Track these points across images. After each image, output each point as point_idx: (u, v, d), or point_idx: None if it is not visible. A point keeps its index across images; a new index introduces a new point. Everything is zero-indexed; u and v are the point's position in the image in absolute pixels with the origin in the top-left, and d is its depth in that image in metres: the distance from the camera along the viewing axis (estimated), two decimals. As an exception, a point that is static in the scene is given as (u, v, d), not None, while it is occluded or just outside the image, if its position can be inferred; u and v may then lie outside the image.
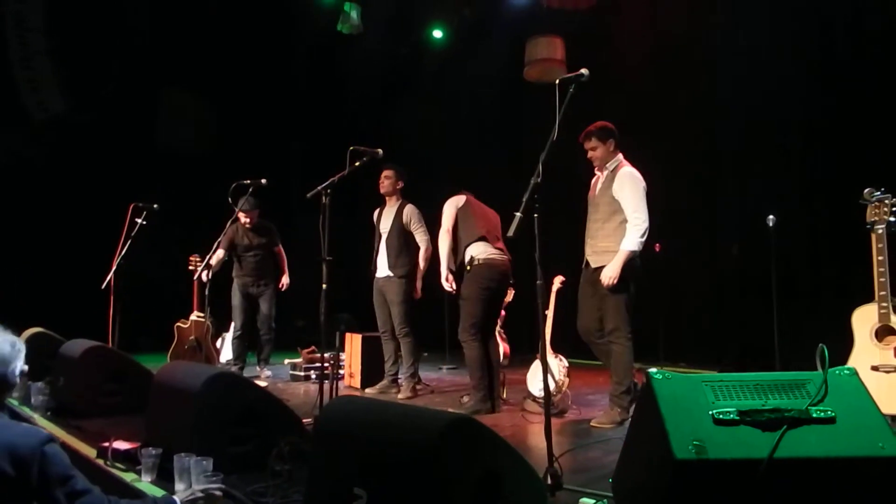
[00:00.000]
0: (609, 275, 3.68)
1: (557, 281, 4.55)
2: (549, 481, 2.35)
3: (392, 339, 5.01)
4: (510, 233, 2.35)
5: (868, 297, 3.28)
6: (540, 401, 4.32)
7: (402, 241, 4.94)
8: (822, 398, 1.44)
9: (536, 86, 7.10)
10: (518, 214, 2.34)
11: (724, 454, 1.34)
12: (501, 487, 1.76)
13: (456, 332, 4.41)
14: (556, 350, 4.38)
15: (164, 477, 2.47)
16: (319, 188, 3.42)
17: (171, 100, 7.55)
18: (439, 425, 1.67)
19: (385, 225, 5.04)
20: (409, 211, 4.97)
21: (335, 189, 3.39)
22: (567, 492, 2.40)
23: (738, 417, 1.39)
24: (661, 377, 1.48)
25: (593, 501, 2.17)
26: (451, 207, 4.45)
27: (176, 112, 7.47)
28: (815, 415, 1.40)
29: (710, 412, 1.41)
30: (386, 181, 5.05)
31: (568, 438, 3.55)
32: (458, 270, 4.42)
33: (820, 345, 1.52)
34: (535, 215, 2.38)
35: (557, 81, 2.57)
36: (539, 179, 2.40)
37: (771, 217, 4.72)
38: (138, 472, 2.55)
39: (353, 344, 5.43)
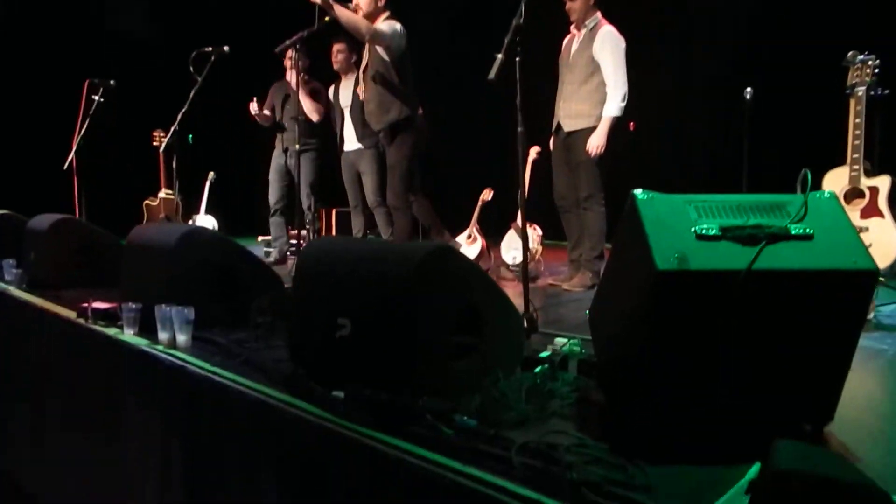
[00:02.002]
0: (595, 144, 3.64)
1: (533, 151, 4.53)
2: (525, 325, 2.43)
3: (361, 214, 4.98)
4: (490, 75, 2.29)
5: (841, 161, 3.31)
6: (513, 268, 4.41)
7: None
8: (801, 217, 1.47)
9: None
10: (499, 56, 2.27)
11: (705, 265, 1.38)
12: (482, 316, 1.80)
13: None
14: (530, 221, 4.42)
15: (147, 330, 2.48)
16: (288, 42, 3.26)
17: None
18: (419, 255, 1.68)
19: (345, 98, 4.85)
20: None
21: (304, 45, 3.22)
22: (541, 335, 2.49)
23: (720, 233, 1.42)
24: (645, 197, 1.49)
25: (566, 341, 2.26)
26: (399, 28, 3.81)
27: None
28: (793, 232, 1.44)
29: (693, 229, 1.43)
30: (339, 55, 4.81)
31: (541, 299, 3.65)
32: (394, 126, 3.90)
33: (804, 169, 1.53)
34: (517, 59, 2.31)
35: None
36: (521, 20, 2.32)
37: (748, 89, 4.68)
38: (120, 328, 2.56)
39: (328, 219, 5.41)
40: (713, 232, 1.43)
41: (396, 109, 3.85)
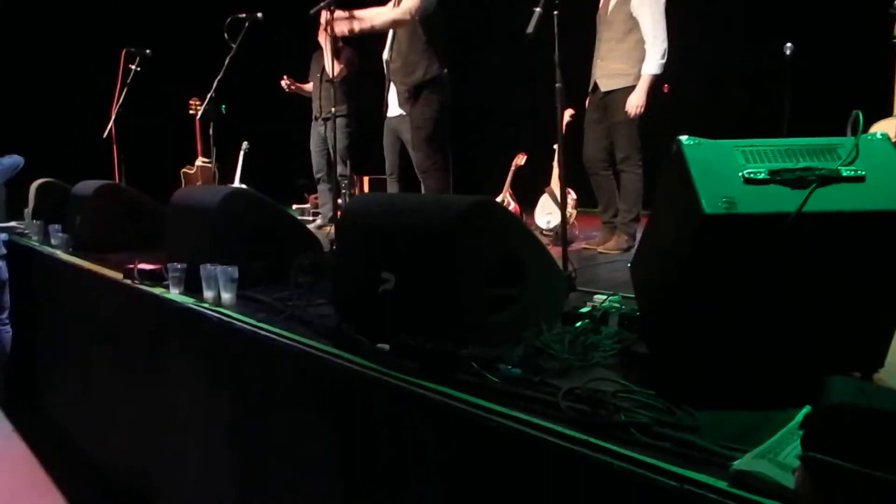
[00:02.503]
0: (635, 103, 3.58)
1: (567, 114, 4.47)
2: (564, 282, 2.43)
3: (398, 182, 4.95)
4: (529, 29, 2.25)
5: (888, 115, 3.22)
6: (547, 232, 4.39)
7: None
8: (853, 160, 1.43)
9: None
10: (537, 10, 2.24)
11: (753, 209, 1.36)
12: (523, 269, 1.81)
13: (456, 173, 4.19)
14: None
15: (192, 289, 2.54)
16: (322, 4, 3.25)
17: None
18: (461, 206, 1.69)
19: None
20: None
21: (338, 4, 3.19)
22: (580, 293, 2.49)
23: (768, 176, 1.40)
24: (692, 142, 1.47)
25: (605, 297, 2.25)
26: None
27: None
28: (845, 174, 1.40)
29: (741, 173, 1.41)
30: None
31: (577, 262, 3.62)
32: (419, 86, 3.72)
33: (854, 111, 1.49)
34: (555, 12, 2.27)
35: None
36: (559, -27, 2.28)
37: (788, 45, 4.54)
38: (166, 287, 2.63)
39: (360, 188, 5.44)
40: (761, 176, 1.40)
41: (422, 68, 3.66)
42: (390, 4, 3.76)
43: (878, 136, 1.51)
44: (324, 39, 4.45)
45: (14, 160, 4.28)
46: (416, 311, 1.75)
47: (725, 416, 1.32)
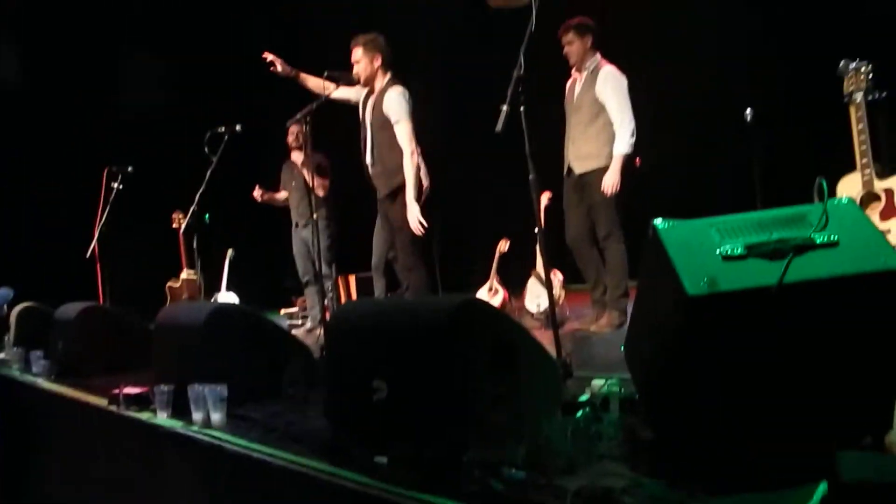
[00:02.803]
0: (610, 183, 3.65)
1: (544, 197, 4.54)
2: (560, 370, 2.40)
3: (384, 276, 4.94)
4: (497, 128, 2.32)
5: (850, 169, 3.31)
6: (538, 316, 4.38)
7: None
8: (824, 225, 1.46)
9: (502, 13, 6.93)
10: (504, 108, 2.32)
11: (735, 285, 1.37)
12: (516, 363, 1.79)
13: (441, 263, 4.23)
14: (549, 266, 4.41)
15: (180, 411, 2.47)
16: (298, 116, 3.35)
17: (130, 61, 7.31)
18: (450, 305, 1.68)
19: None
20: None
21: (314, 118, 3.30)
22: (577, 379, 2.45)
23: (745, 251, 1.42)
24: (666, 225, 1.49)
25: (604, 381, 2.21)
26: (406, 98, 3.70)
27: (136, 73, 7.24)
28: (818, 241, 1.43)
29: (718, 250, 1.43)
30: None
31: (570, 344, 3.60)
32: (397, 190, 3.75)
33: (818, 178, 1.53)
34: (522, 108, 2.36)
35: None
36: (522, 72, 2.37)
37: (749, 110, 4.70)
38: (153, 411, 2.56)
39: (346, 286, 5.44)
40: (738, 251, 1.43)
41: (402, 173, 3.68)
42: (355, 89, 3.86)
43: (844, 200, 1.55)
44: (297, 156, 4.54)
45: (4, 293, 4.23)
46: (412, 418, 1.71)
47: (743, 500, 1.27)
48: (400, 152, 3.69)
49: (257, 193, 5.11)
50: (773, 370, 1.41)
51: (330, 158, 5.12)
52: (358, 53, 3.74)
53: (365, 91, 3.88)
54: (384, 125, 3.72)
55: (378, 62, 3.73)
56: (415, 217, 3.58)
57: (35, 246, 6.37)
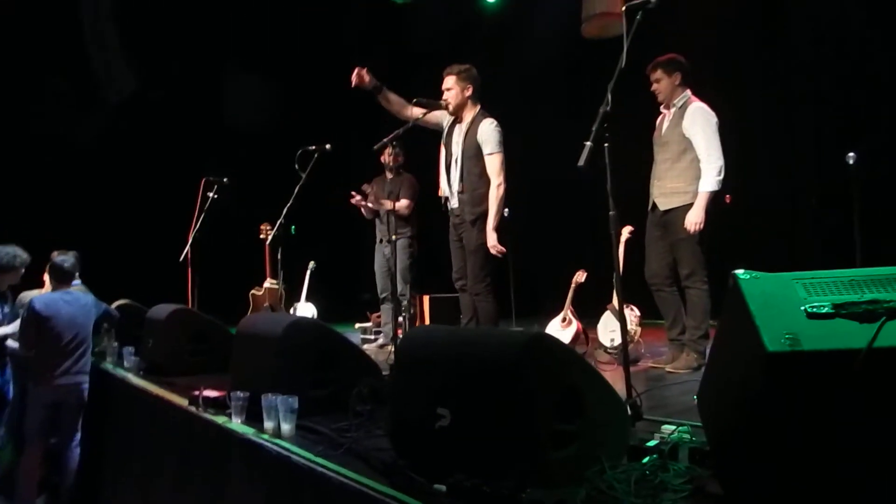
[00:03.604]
0: (693, 220, 3.57)
1: (626, 231, 4.47)
2: (629, 412, 2.34)
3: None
4: (580, 162, 2.31)
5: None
6: (611, 351, 4.29)
7: None
8: (922, 290, 1.37)
9: (597, 42, 6.90)
10: (588, 144, 2.31)
11: (819, 345, 1.30)
12: (583, 403, 1.76)
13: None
14: (627, 301, 4.30)
15: (253, 417, 2.57)
16: (385, 140, 3.45)
17: (236, 76, 7.74)
18: (520, 341, 1.68)
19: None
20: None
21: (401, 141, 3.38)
22: (647, 422, 2.39)
23: (832, 311, 1.34)
24: (748, 276, 1.44)
25: (674, 427, 2.14)
26: (498, 131, 3.81)
27: (240, 88, 7.65)
28: (915, 306, 1.34)
29: (803, 307, 1.36)
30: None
31: (643, 383, 3.51)
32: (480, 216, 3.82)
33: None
34: (606, 144, 2.34)
35: (624, 8, 2.51)
36: (608, 108, 2.36)
37: (851, 154, 4.47)
38: (228, 416, 2.67)
39: (420, 306, 5.50)
40: (825, 310, 1.36)
41: (487, 201, 3.77)
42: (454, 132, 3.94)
43: (950, 264, 1.45)
44: (391, 174, 4.80)
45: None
46: (474, 449, 1.71)
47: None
48: (487, 181, 3.77)
49: (355, 200, 5.22)
50: (855, 437, 1.33)
51: (419, 181, 5.24)
52: (450, 81, 3.84)
53: (450, 119, 3.96)
54: (477, 154, 3.79)
55: (468, 92, 3.83)
56: (493, 245, 3.71)
57: (136, 247, 6.78)
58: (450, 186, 3.95)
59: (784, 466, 1.39)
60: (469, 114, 3.87)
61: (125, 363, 4.23)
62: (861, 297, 1.36)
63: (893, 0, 5.27)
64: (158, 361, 3.98)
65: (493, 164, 3.75)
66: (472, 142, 3.82)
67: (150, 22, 7.21)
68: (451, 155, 3.94)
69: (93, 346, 4.27)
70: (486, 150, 3.76)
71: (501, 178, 3.74)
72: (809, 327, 1.33)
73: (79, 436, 4.19)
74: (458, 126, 3.93)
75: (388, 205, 4.93)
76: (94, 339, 4.31)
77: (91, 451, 4.23)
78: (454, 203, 3.93)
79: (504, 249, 3.73)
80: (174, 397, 3.22)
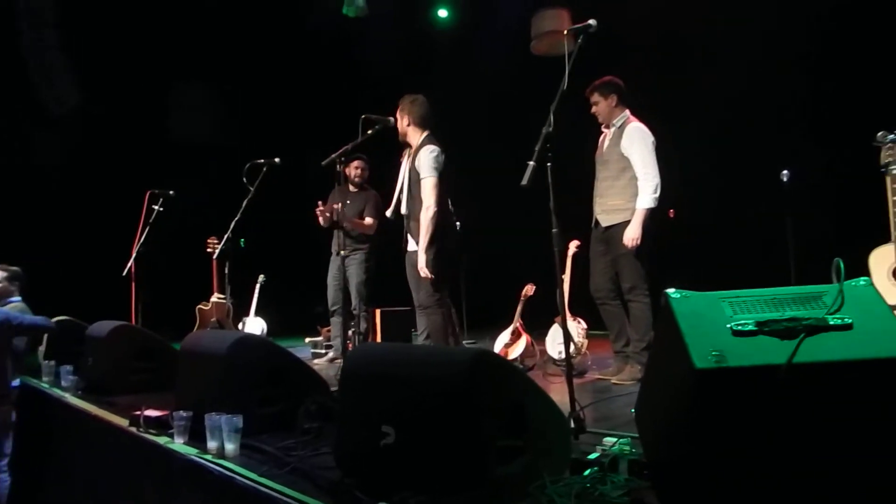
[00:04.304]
0: (631, 236, 3.69)
1: (573, 245, 4.58)
2: (573, 425, 2.39)
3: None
4: (523, 182, 2.38)
5: (884, 240, 3.28)
6: (560, 363, 4.36)
7: None
8: (838, 307, 1.46)
9: (546, 60, 7.05)
10: (531, 163, 2.37)
11: (743, 361, 1.37)
12: (527, 418, 1.80)
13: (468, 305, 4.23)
14: (574, 314, 4.41)
15: (196, 437, 2.53)
16: (333, 156, 3.46)
17: (182, 89, 7.61)
18: (466, 358, 1.71)
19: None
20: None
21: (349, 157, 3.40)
22: (590, 434, 2.44)
23: (756, 328, 1.42)
24: (678, 296, 1.51)
25: (615, 440, 2.20)
26: (437, 156, 3.88)
27: (187, 101, 7.53)
28: (832, 322, 1.42)
29: (729, 325, 1.43)
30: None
31: (589, 395, 3.59)
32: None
33: (836, 259, 1.53)
34: (549, 164, 2.41)
35: (565, 31, 2.59)
36: (551, 129, 2.43)
37: (785, 172, 4.69)
38: (171, 436, 2.62)
39: (373, 319, 5.49)
40: (749, 327, 1.43)
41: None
42: (405, 158, 4.03)
43: (862, 282, 1.54)
44: (354, 188, 5.00)
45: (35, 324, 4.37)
46: (420, 467, 1.72)
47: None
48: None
49: (319, 210, 5.20)
50: (780, 449, 1.40)
51: (382, 198, 5.27)
52: (398, 110, 3.97)
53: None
54: (417, 180, 3.87)
55: (407, 121, 3.94)
56: (422, 268, 3.76)
57: (77, 261, 6.58)
58: (402, 212, 4.04)
59: (715, 476, 1.45)
60: (414, 140, 3.96)
61: (62, 382, 4.08)
62: (782, 315, 1.44)
63: (819, 28, 5.57)
64: (99, 380, 3.85)
65: (425, 188, 3.80)
66: (413, 167, 3.91)
67: (92, 34, 7.05)
68: (402, 181, 4.04)
69: (24, 363, 4.09)
70: (420, 174, 3.84)
71: (432, 202, 3.77)
72: (735, 344, 1.40)
73: (6, 460, 4.02)
74: (406, 151, 4.05)
75: (355, 224, 4.99)
76: (26, 356, 4.15)
77: (26, 476, 4.07)
78: (406, 225, 4.00)
79: (431, 276, 3.74)
80: (114, 417, 3.13)
